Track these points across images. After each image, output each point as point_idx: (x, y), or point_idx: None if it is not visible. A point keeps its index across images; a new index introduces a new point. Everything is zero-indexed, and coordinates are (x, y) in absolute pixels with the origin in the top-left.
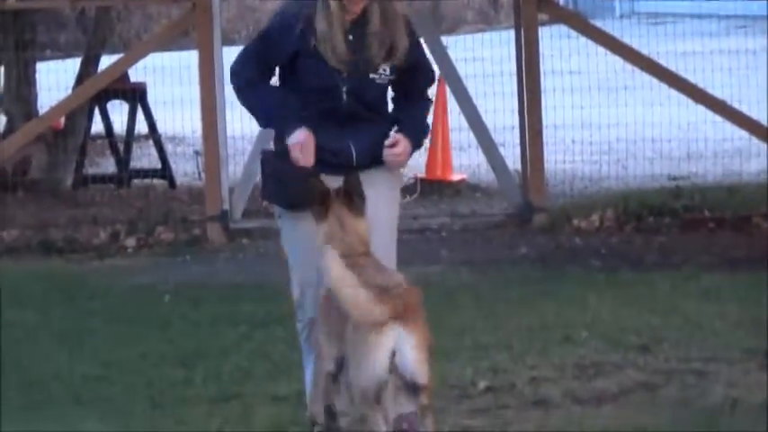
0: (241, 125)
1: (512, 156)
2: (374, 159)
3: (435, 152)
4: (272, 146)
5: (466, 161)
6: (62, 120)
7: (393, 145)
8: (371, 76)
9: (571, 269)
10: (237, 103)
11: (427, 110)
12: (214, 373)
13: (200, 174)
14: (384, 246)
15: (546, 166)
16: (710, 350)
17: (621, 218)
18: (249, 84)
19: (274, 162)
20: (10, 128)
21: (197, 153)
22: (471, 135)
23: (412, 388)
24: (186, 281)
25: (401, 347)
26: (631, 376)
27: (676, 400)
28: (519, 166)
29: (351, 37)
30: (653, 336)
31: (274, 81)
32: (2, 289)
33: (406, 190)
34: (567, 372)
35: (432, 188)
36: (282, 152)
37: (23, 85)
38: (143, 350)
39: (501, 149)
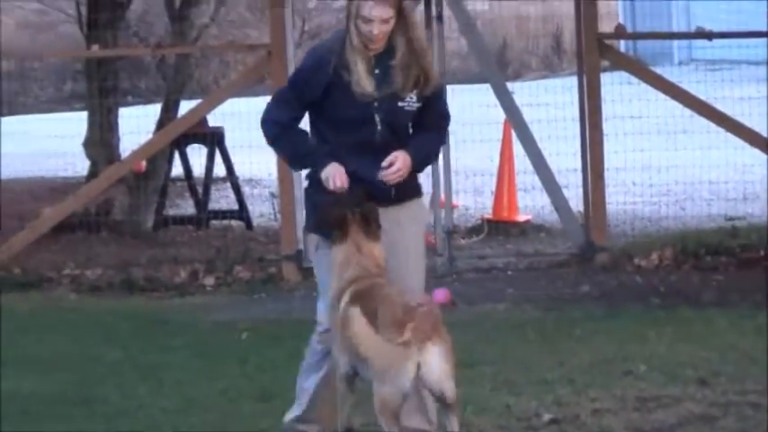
0: None
1: (575, 197)
2: (406, 193)
3: (501, 194)
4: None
5: (531, 202)
6: (143, 163)
7: (390, 164)
8: (400, 104)
9: (631, 306)
10: None
11: (438, 143)
12: (291, 402)
13: (275, 215)
14: (417, 279)
15: (607, 207)
16: (766, 384)
17: (680, 257)
18: (280, 131)
19: (314, 196)
20: (93, 171)
21: (273, 195)
22: (536, 177)
23: (442, 401)
24: (263, 318)
25: (429, 361)
26: (689, 408)
27: (734, 431)
28: (581, 207)
29: (377, 70)
30: (710, 370)
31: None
32: (87, 325)
33: (474, 231)
34: (627, 404)
35: (498, 229)
36: (318, 186)
37: (106, 129)
38: (222, 385)
39: (564, 191)
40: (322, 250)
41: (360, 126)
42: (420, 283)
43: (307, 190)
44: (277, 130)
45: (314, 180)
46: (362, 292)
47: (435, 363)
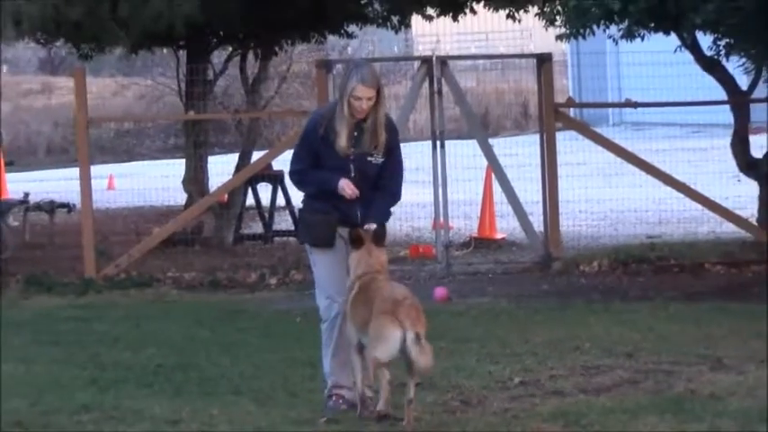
0: None
1: (537, 221)
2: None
3: (485, 218)
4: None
5: (506, 224)
6: (225, 196)
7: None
8: (368, 159)
9: (578, 300)
10: None
11: (393, 201)
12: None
13: None
14: None
15: (561, 228)
16: (675, 357)
17: (613, 264)
18: (303, 176)
19: (308, 218)
20: (189, 202)
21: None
22: (509, 207)
23: (414, 369)
24: (311, 307)
25: (410, 338)
26: (620, 374)
27: (651, 391)
28: (542, 228)
29: (356, 133)
30: (635, 346)
31: None
32: (184, 314)
33: (464, 245)
34: (575, 371)
35: (482, 243)
36: (312, 209)
37: (198, 171)
38: (282, 356)
39: (530, 217)
40: (313, 255)
41: (340, 173)
42: None
43: (301, 212)
44: (301, 176)
45: (307, 205)
46: (366, 283)
47: (419, 340)
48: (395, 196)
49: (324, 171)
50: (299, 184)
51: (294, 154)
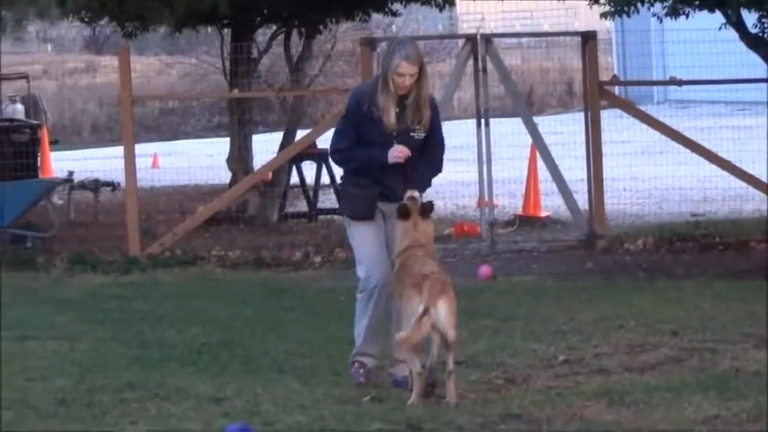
0: None
1: (582, 199)
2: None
3: (529, 196)
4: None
5: (550, 202)
6: (270, 174)
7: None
8: (411, 134)
9: (623, 278)
10: None
11: (434, 172)
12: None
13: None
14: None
15: (605, 206)
16: (720, 334)
17: (658, 242)
18: (349, 153)
19: (350, 191)
20: (234, 180)
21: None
22: (554, 185)
23: (445, 342)
24: (355, 286)
25: (438, 310)
26: (665, 352)
27: (695, 369)
28: (587, 206)
29: (397, 109)
30: (680, 324)
31: None
32: (229, 292)
33: (509, 223)
34: (620, 349)
35: (526, 222)
36: (354, 183)
37: (243, 150)
38: (326, 334)
39: (574, 195)
40: (352, 228)
41: (385, 148)
42: None
43: (342, 185)
44: (346, 153)
45: (349, 178)
46: (405, 260)
47: (442, 313)
48: (436, 168)
49: (370, 147)
50: (344, 161)
51: (337, 132)
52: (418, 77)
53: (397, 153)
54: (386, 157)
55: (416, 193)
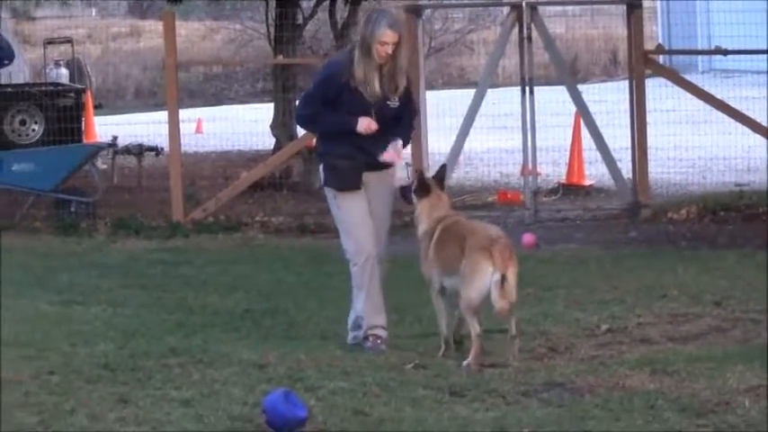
0: (438, 145)
1: (626, 168)
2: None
3: (573, 165)
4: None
5: (594, 171)
6: (314, 140)
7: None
8: (388, 103)
9: (666, 248)
10: (437, 128)
11: (410, 128)
12: (417, 318)
13: (409, 179)
14: (388, 217)
15: (649, 175)
16: (763, 305)
17: (701, 212)
18: (315, 118)
19: (334, 162)
20: (278, 146)
21: (407, 164)
22: (598, 153)
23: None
24: (399, 254)
25: (508, 277)
26: (708, 322)
27: (739, 340)
28: (631, 175)
29: (373, 75)
30: (723, 294)
31: None
32: (272, 258)
33: (552, 191)
34: (663, 319)
35: (570, 190)
36: (337, 155)
37: (287, 116)
38: None
39: (618, 163)
40: (339, 200)
41: (361, 116)
42: (389, 218)
43: (323, 156)
44: (314, 118)
45: (330, 149)
46: (449, 225)
47: (510, 279)
48: (410, 129)
49: (339, 113)
50: (310, 124)
51: (306, 97)
52: (396, 46)
53: (368, 125)
54: (354, 125)
55: (399, 143)
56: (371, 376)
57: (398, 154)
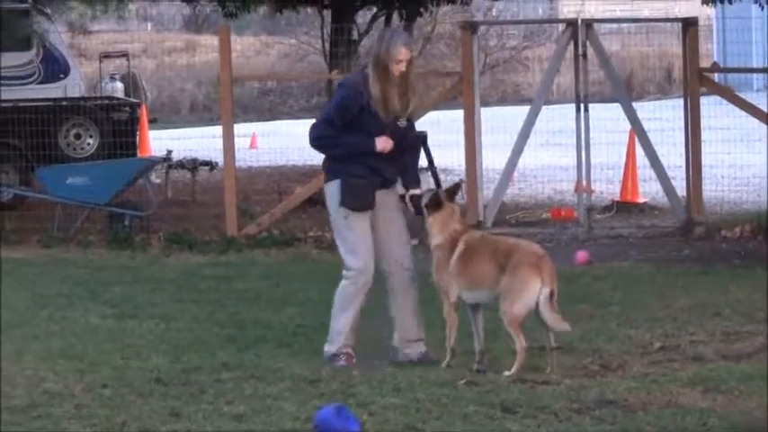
0: (492, 161)
1: (680, 186)
2: (395, 180)
3: (627, 182)
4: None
5: (648, 189)
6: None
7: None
8: (398, 123)
9: (720, 266)
10: (491, 144)
11: (416, 161)
12: (468, 334)
13: (463, 195)
14: (402, 230)
15: (703, 193)
16: None
17: (755, 231)
18: (335, 141)
19: (353, 182)
20: None
21: (462, 180)
22: (652, 171)
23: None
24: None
25: (545, 293)
26: (761, 341)
27: None
28: (685, 193)
29: (386, 95)
30: None
31: None
32: (325, 273)
33: (606, 209)
34: (716, 337)
35: (624, 207)
36: (354, 175)
37: None
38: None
39: (672, 181)
40: (351, 220)
41: (373, 136)
42: (406, 231)
43: (339, 175)
44: (333, 141)
45: (345, 170)
46: (476, 239)
47: (555, 294)
48: (418, 157)
49: (357, 134)
50: (329, 147)
51: (325, 120)
52: (409, 63)
53: (385, 143)
54: (373, 145)
55: (417, 191)
56: (423, 392)
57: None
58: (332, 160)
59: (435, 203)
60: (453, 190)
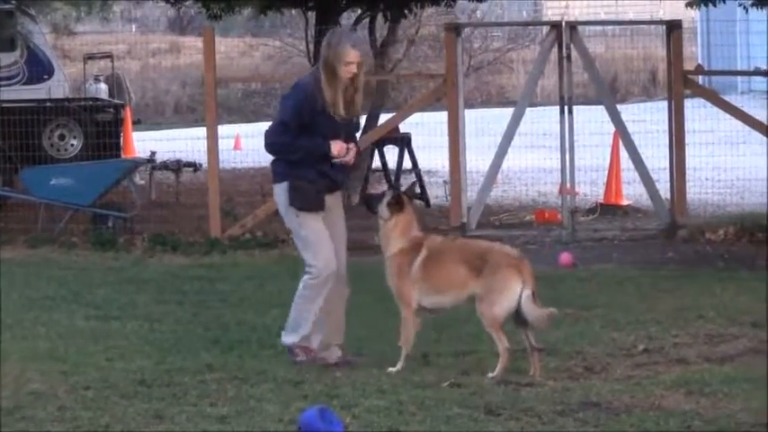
0: (476, 163)
1: (663, 188)
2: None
3: (611, 184)
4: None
5: (632, 191)
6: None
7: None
8: (348, 122)
9: (703, 268)
10: (475, 146)
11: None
12: (455, 336)
13: (447, 196)
14: (344, 234)
15: (687, 196)
16: None
17: (739, 233)
18: (290, 146)
19: (298, 184)
20: None
21: (445, 182)
22: (636, 173)
23: (527, 326)
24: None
25: (526, 294)
26: (744, 343)
27: None
28: (669, 196)
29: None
30: (760, 315)
31: None
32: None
33: (590, 211)
34: (699, 339)
35: (608, 210)
36: (300, 176)
37: None
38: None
39: (656, 184)
40: (302, 218)
41: (332, 138)
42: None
43: (286, 177)
44: (289, 146)
45: (292, 171)
46: (442, 246)
47: (532, 295)
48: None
49: (312, 137)
50: (284, 152)
51: (281, 123)
52: (359, 65)
53: (340, 148)
54: (328, 148)
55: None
56: (407, 394)
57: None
58: (281, 162)
59: (399, 205)
60: (412, 190)
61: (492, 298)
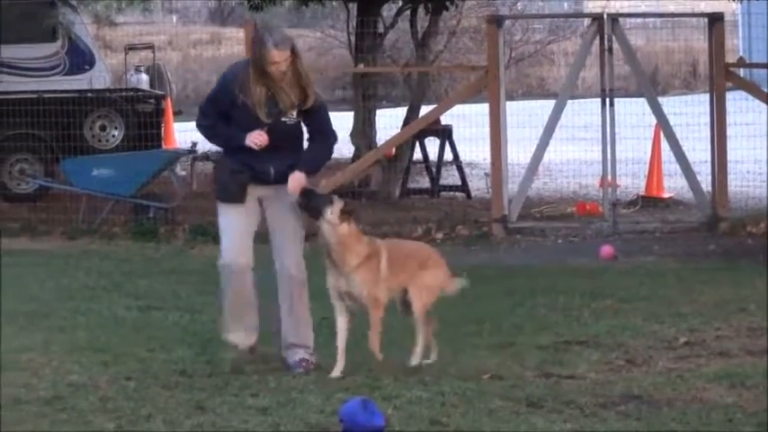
0: (517, 156)
1: (705, 181)
2: (286, 177)
3: (652, 177)
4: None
5: (673, 184)
6: (393, 150)
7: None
8: (283, 119)
9: (745, 261)
10: (516, 138)
11: (321, 155)
12: (496, 329)
13: (488, 189)
14: (294, 231)
15: (729, 188)
16: None
17: None
18: (211, 129)
19: (220, 176)
20: (357, 155)
21: (486, 174)
22: (677, 166)
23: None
24: (477, 264)
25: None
26: None
27: None
28: (710, 188)
29: (269, 92)
30: None
31: None
32: None
33: (631, 203)
34: (741, 332)
35: (649, 202)
36: (224, 168)
37: (367, 125)
38: (446, 310)
39: (698, 176)
40: (221, 208)
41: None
42: (299, 230)
43: (215, 169)
44: (208, 131)
45: (221, 162)
46: (394, 247)
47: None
48: (327, 153)
49: (231, 128)
50: (208, 136)
51: (202, 107)
52: (291, 60)
53: (255, 138)
54: (242, 140)
55: (299, 176)
56: (449, 386)
57: (299, 185)
58: (223, 152)
59: (351, 211)
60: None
61: (426, 290)
